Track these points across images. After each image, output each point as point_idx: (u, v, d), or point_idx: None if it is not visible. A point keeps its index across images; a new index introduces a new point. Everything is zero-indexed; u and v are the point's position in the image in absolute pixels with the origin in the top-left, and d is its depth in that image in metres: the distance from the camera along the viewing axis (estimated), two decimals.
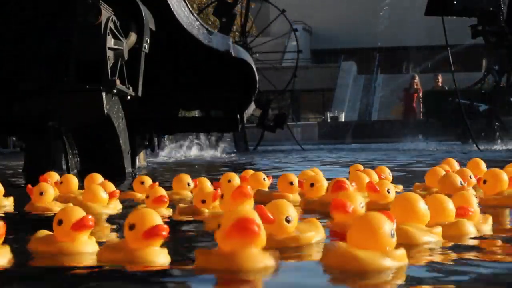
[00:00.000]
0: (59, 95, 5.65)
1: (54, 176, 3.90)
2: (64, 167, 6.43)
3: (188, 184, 3.75)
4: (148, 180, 3.78)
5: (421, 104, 22.97)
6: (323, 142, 19.91)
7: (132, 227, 1.88)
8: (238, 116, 7.71)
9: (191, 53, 7.47)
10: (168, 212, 3.18)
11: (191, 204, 3.26)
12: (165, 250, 1.93)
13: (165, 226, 1.87)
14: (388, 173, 3.90)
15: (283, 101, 25.58)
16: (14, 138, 16.50)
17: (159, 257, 1.90)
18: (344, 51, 34.69)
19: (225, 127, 8.99)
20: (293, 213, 2.08)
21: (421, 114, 23.15)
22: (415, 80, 22.97)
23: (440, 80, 22.14)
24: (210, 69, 7.60)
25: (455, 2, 12.01)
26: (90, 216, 2.12)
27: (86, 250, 2.06)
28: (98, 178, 3.82)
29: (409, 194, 2.19)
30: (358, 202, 2.41)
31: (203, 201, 3.08)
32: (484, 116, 15.64)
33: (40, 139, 6.56)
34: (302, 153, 12.73)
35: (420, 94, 23.00)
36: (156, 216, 1.92)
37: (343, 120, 26.95)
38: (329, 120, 26.22)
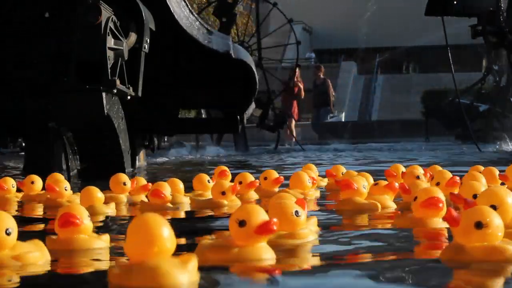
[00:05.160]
0: (59, 95, 5.64)
1: (10, 181, 3.87)
2: (64, 167, 6.42)
3: (209, 181, 3.77)
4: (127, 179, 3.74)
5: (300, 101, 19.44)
6: (323, 142, 19.87)
7: (242, 223, 1.86)
8: (238, 117, 7.70)
9: (191, 54, 7.46)
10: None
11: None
12: (269, 248, 1.90)
13: (275, 220, 1.86)
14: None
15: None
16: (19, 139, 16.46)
17: (267, 254, 1.88)
18: (344, 51, 34.66)
19: (225, 128, 8.99)
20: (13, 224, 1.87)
21: (298, 115, 19.52)
22: (296, 72, 18.73)
23: (321, 72, 20.68)
24: (210, 70, 7.59)
25: (455, 2, 12.00)
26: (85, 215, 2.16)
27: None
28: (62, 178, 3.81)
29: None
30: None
31: (223, 193, 3.15)
32: (484, 116, 15.64)
33: (40, 139, 6.55)
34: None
35: (302, 90, 19.36)
36: (264, 212, 1.90)
37: (343, 120, 26.93)
38: (329, 120, 26.17)
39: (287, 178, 3.88)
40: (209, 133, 13.87)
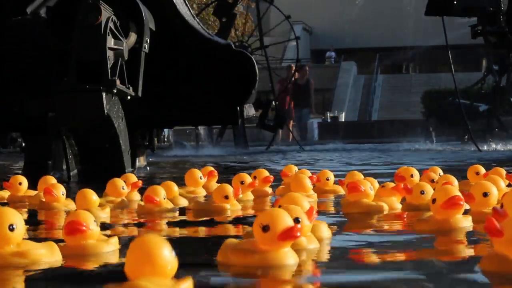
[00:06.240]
0: (59, 95, 5.64)
1: None
2: (64, 167, 6.42)
3: (201, 178, 3.80)
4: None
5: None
6: (323, 142, 19.87)
7: (266, 228, 1.84)
8: (238, 109, 7.65)
9: (192, 47, 7.47)
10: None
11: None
12: (294, 253, 1.89)
13: (299, 226, 1.85)
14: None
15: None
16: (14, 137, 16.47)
17: (290, 258, 1.87)
18: (344, 51, 34.67)
19: (224, 121, 8.97)
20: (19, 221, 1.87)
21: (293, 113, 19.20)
22: (293, 70, 18.39)
23: (307, 72, 20.22)
24: (211, 62, 7.58)
25: (455, 2, 12.00)
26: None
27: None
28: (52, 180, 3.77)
29: None
30: None
31: (226, 197, 3.09)
32: (484, 116, 15.63)
33: (40, 139, 6.55)
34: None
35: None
36: (288, 217, 1.88)
37: (343, 120, 26.95)
38: (329, 120, 26.20)
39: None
40: (208, 125, 13.91)
